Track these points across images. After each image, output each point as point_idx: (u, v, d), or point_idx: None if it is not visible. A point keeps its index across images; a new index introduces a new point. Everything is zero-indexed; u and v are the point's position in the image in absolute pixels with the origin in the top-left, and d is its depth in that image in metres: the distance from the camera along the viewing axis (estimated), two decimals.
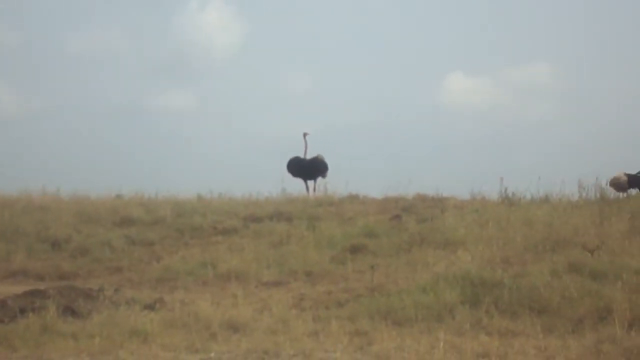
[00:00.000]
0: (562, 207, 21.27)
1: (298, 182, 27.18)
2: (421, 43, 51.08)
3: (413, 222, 20.75)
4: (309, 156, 27.09)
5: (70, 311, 14.16)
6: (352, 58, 51.75)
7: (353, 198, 25.15)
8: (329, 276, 16.82)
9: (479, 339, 12.19)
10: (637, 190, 19.91)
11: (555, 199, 22.82)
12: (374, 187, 26.12)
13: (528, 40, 50.01)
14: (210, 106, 50.63)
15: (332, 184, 26.52)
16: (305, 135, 27.09)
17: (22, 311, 13.90)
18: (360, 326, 13.14)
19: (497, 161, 36.18)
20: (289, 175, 27.13)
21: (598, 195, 22.28)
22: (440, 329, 12.71)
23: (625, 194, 20.23)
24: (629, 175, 19.68)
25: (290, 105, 48.42)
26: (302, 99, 48.99)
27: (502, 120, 47.48)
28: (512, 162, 36.50)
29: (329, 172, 26.99)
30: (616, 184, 19.89)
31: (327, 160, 27.16)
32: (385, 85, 48.89)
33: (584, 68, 47.96)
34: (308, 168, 27.00)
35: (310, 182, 27.06)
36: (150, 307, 14.71)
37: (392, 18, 52.13)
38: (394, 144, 41.02)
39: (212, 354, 12.02)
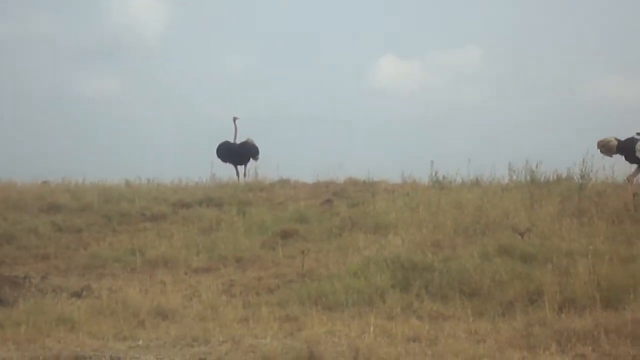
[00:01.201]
0: (492, 190, 21.33)
1: (228, 168, 27.06)
2: (354, 26, 51.07)
3: (344, 206, 20.74)
4: (239, 140, 26.96)
5: None
6: (285, 41, 51.59)
7: (284, 183, 25.08)
8: (260, 262, 16.72)
9: (409, 322, 12.16)
10: (623, 157, 19.74)
11: (486, 182, 22.94)
12: (305, 172, 26.05)
13: (459, 23, 50.21)
14: (139, 91, 50.24)
15: (263, 169, 26.42)
16: (235, 119, 26.93)
17: None
18: (290, 312, 13.07)
19: (428, 145, 36.37)
20: (219, 161, 27.00)
21: (528, 178, 22.37)
22: (371, 313, 12.66)
23: (611, 157, 20.07)
24: (618, 140, 19.54)
25: (221, 89, 48.13)
26: (233, 83, 48.73)
27: (433, 103, 47.72)
28: (443, 145, 36.68)
29: (260, 156, 26.87)
30: (605, 147, 19.75)
31: (258, 144, 27.05)
32: (317, 69, 48.80)
33: (514, 52, 48.34)
34: (238, 153, 26.86)
35: (241, 167, 26.93)
36: (77, 294, 14.54)
37: (324, 1, 52.03)
38: (325, 127, 40.97)
39: (140, 342, 11.84)
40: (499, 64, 49.14)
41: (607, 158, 20.66)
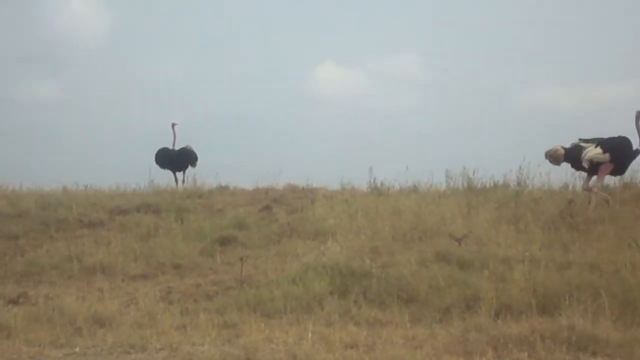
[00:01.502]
0: (430, 196, 21.48)
1: (167, 174, 26.95)
2: (292, 33, 51.12)
3: (283, 213, 20.75)
4: (177, 147, 26.87)
5: None
6: (224, 48, 51.45)
7: (223, 189, 25.06)
8: (198, 269, 16.64)
9: (347, 329, 12.15)
10: (569, 164, 19.94)
11: (424, 188, 23.11)
12: (244, 178, 26.02)
13: (397, 30, 50.40)
14: (77, 98, 49.72)
15: (202, 176, 26.38)
16: (173, 125, 26.84)
17: None
18: (228, 318, 13.00)
19: (366, 151, 36.36)
20: (157, 167, 26.88)
21: (465, 185, 22.56)
22: (309, 319, 12.64)
23: (559, 166, 20.26)
24: (565, 149, 19.73)
25: (159, 95, 47.82)
26: (172, 89, 48.44)
27: (373, 110, 47.81)
28: (382, 152, 36.69)
29: (199, 163, 26.81)
30: (552, 156, 19.92)
31: (197, 151, 26.97)
32: (257, 75, 48.71)
33: (451, 58, 48.60)
34: (177, 159, 26.78)
35: (179, 174, 26.87)
36: (14, 301, 14.42)
37: (264, 7, 51.96)
38: (264, 134, 40.91)
39: (77, 349, 11.76)
40: (437, 70, 49.45)
41: (543, 165, 20.91)
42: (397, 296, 13.49)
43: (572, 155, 19.57)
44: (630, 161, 19.51)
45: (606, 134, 19.62)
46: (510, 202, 19.60)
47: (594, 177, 19.44)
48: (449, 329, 11.99)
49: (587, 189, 19.40)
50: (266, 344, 11.60)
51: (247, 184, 25.47)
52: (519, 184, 21.84)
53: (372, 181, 23.59)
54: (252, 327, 12.36)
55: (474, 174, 22.57)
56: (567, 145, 19.74)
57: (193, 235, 18.80)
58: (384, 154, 36.10)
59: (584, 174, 19.71)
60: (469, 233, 16.41)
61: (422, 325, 12.42)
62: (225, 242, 18.20)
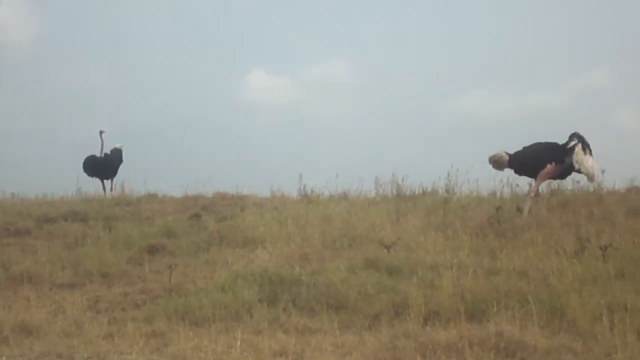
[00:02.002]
0: (359, 203, 21.56)
1: (95, 182, 26.73)
2: (222, 39, 50.96)
3: (212, 220, 20.67)
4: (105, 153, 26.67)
5: None
6: (153, 54, 51.14)
7: (151, 197, 24.92)
8: (126, 277, 16.42)
9: (276, 337, 12.07)
10: (512, 171, 20.14)
11: (353, 195, 23.17)
12: (173, 186, 25.90)
13: (327, 37, 50.52)
14: (4, 104, 49.02)
15: (130, 183, 26.19)
16: (101, 133, 26.64)
17: None
18: (157, 327, 12.83)
19: (297, 158, 36.41)
20: (85, 175, 26.64)
21: (394, 192, 22.68)
22: (238, 328, 12.51)
23: (502, 172, 20.44)
24: (509, 155, 19.89)
25: (87, 102, 47.37)
26: (100, 96, 48.02)
27: (302, 117, 47.89)
28: (312, 159, 36.79)
29: (127, 170, 26.65)
30: (497, 162, 20.07)
31: (125, 158, 26.79)
32: (186, 82, 48.50)
33: (380, 65, 48.82)
34: (104, 167, 26.56)
35: (107, 182, 26.66)
36: None
37: (194, 13, 51.74)
38: (193, 141, 40.74)
39: (4, 358, 11.54)
40: (366, 77, 49.60)
41: (471, 172, 21.10)
42: (327, 303, 13.43)
43: (516, 161, 19.82)
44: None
45: (534, 140, 19.84)
46: (439, 209, 19.74)
47: (534, 181, 19.71)
48: (377, 336, 11.96)
49: (533, 192, 19.71)
50: (195, 353, 11.49)
51: (176, 192, 25.39)
52: (447, 191, 22.08)
53: (302, 188, 23.66)
54: (180, 336, 12.23)
55: (403, 181, 22.76)
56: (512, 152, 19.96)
57: (121, 244, 18.61)
58: (314, 161, 36.20)
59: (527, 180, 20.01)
60: (398, 240, 16.45)
61: (351, 332, 12.39)
62: (153, 250, 18.00)
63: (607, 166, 21.08)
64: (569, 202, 19.77)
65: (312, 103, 49.65)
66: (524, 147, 19.91)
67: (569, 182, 21.44)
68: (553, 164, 19.38)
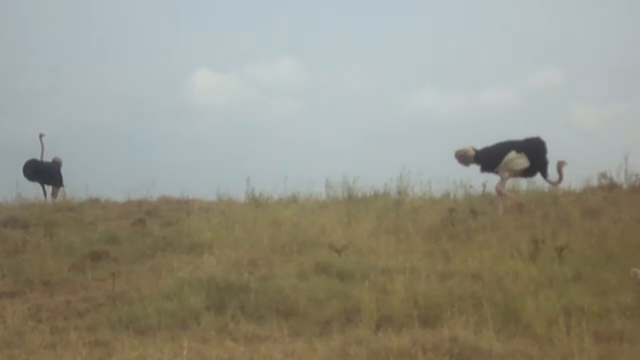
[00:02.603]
0: (309, 207, 21.46)
1: (36, 187, 26.33)
2: (166, 38, 50.60)
3: (157, 226, 20.38)
4: (46, 159, 26.31)
5: None
6: (94, 56, 50.61)
7: (94, 202, 24.64)
8: (68, 285, 16.04)
9: (224, 345, 11.74)
10: (479, 166, 20.21)
11: (303, 198, 23.02)
12: (116, 191, 25.51)
13: (274, 35, 50.23)
14: None
15: (72, 188, 25.84)
16: (41, 136, 26.23)
17: None
18: (100, 336, 12.52)
19: (244, 161, 36.16)
20: (25, 180, 26.25)
21: (345, 194, 22.58)
22: (185, 336, 12.17)
23: (468, 167, 20.49)
24: (476, 150, 19.92)
25: (26, 105, 46.69)
26: (40, 99, 47.38)
27: (250, 118, 47.52)
28: (260, 161, 36.52)
29: (69, 175, 26.31)
30: (462, 157, 20.09)
31: (66, 163, 26.47)
32: (129, 84, 48.02)
33: (329, 64, 48.74)
34: (45, 172, 26.20)
35: (48, 187, 26.28)
36: None
37: (135, 12, 51.32)
38: (137, 144, 40.33)
39: None
40: (316, 77, 49.37)
41: (424, 173, 21.05)
42: (276, 310, 13.17)
43: (483, 157, 19.89)
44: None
45: (489, 140, 19.97)
46: (391, 211, 19.72)
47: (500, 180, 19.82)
48: (329, 343, 11.67)
49: (500, 191, 19.80)
50: None
51: (119, 197, 25.08)
52: (399, 193, 22.01)
53: (249, 192, 23.48)
54: (124, 345, 11.85)
55: (354, 183, 22.66)
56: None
57: (63, 251, 18.22)
58: (262, 163, 35.87)
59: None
60: (349, 243, 16.26)
61: (301, 339, 12.09)
62: (96, 257, 17.60)
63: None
64: (523, 203, 19.72)
65: (259, 103, 49.32)
66: (492, 144, 19.98)
67: (524, 183, 21.53)
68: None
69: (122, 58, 49.36)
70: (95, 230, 20.14)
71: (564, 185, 21.37)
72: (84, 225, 21.09)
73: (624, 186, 20.99)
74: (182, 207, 23.04)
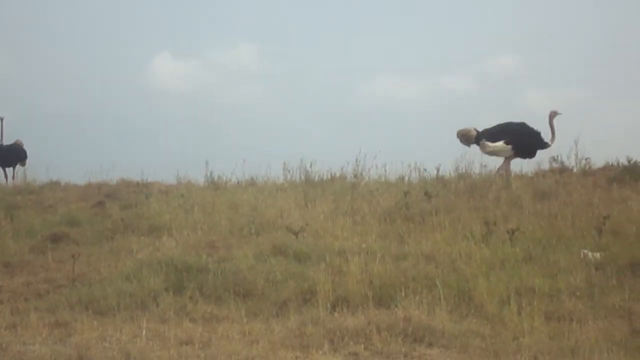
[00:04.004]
0: (267, 190, 21.48)
1: None
2: (126, 24, 50.32)
3: (117, 208, 20.40)
4: (6, 142, 26.20)
5: None
6: (55, 39, 50.27)
7: (54, 185, 24.58)
8: (28, 267, 16.08)
9: (182, 325, 11.93)
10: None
11: (261, 181, 23.06)
12: (76, 173, 25.46)
13: (234, 21, 50.11)
14: None
15: (32, 171, 25.75)
16: (1, 120, 26.12)
17: None
18: (60, 317, 12.61)
19: (203, 144, 36.16)
20: None
21: (303, 177, 22.65)
22: (144, 316, 12.36)
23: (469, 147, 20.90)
24: (477, 131, 20.36)
25: None
26: None
27: (209, 102, 47.42)
28: (219, 145, 36.55)
29: (29, 159, 26.23)
30: (464, 136, 20.50)
31: (27, 146, 26.36)
32: (90, 67, 47.75)
33: (289, 50, 48.67)
34: (6, 155, 26.11)
35: (9, 170, 26.20)
36: None
37: None
38: (96, 127, 40.16)
39: None
40: (275, 62, 49.35)
41: (379, 157, 21.25)
42: (234, 291, 13.31)
43: (485, 138, 20.39)
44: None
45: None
46: (347, 194, 19.77)
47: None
48: (285, 323, 11.89)
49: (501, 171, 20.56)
50: (99, 343, 11.26)
51: (80, 180, 25.01)
52: (355, 176, 22.10)
53: (208, 175, 23.48)
54: (84, 326, 12.00)
55: (311, 166, 22.72)
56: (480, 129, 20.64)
57: (23, 233, 18.25)
58: (221, 147, 35.91)
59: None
60: (306, 226, 16.35)
61: (258, 319, 12.29)
62: (56, 239, 17.66)
63: None
64: (476, 187, 19.94)
65: (219, 88, 49.24)
66: (492, 127, 20.72)
67: (477, 167, 21.78)
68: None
69: (83, 42, 49.12)
70: (56, 212, 20.19)
71: (515, 168, 21.81)
72: (45, 208, 21.10)
73: (575, 169, 21.23)
74: (141, 190, 23.00)
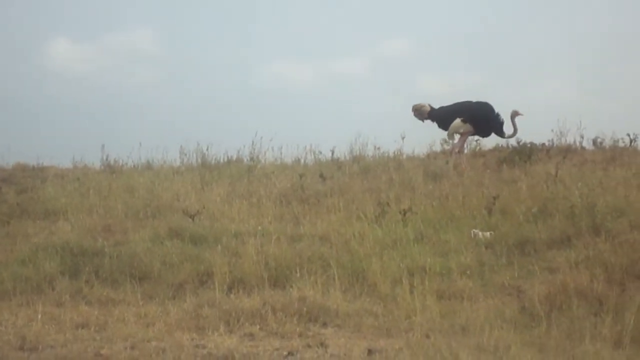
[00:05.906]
0: (164, 173, 21.39)
1: None
2: (20, 5, 49.44)
3: (12, 193, 20.07)
4: None
5: None
6: None
7: None
8: None
9: (78, 309, 11.96)
10: (435, 124, 20.82)
11: (158, 165, 22.97)
12: None
13: (129, 6, 49.54)
14: None
15: None
16: None
17: None
18: None
19: (100, 128, 35.58)
20: None
21: (199, 161, 22.67)
22: (40, 301, 12.37)
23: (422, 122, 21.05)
24: (431, 107, 20.57)
25: None
26: None
27: (106, 86, 46.66)
28: (115, 129, 36.03)
29: None
30: (418, 111, 20.74)
31: None
32: None
33: (186, 33, 48.30)
34: None
35: None
36: None
37: None
38: None
39: None
40: (172, 46, 48.92)
41: (275, 140, 21.38)
42: (130, 274, 13.33)
43: (438, 116, 20.64)
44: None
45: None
46: (244, 177, 19.84)
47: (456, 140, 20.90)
48: (182, 305, 12.00)
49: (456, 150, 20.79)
50: None
51: None
52: (252, 159, 22.22)
53: (104, 159, 23.31)
54: None
55: (208, 150, 22.73)
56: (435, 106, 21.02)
57: None
58: (118, 130, 35.52)
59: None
60: (203, 209, 16.41)
61: (154, 302, 12.38)
62: None
63: (406, 133, 21.87)
64: (370, 168, 20.19)
65: (115, 71, 48.53)
66: (447, 105, 21.09)
67: (371, 149, 22.06)
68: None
69: None
70: None
71: (407, 150, 22.16)
72: None
73: (465, 151, 21.59)
74: (37, 174, 22.65)
